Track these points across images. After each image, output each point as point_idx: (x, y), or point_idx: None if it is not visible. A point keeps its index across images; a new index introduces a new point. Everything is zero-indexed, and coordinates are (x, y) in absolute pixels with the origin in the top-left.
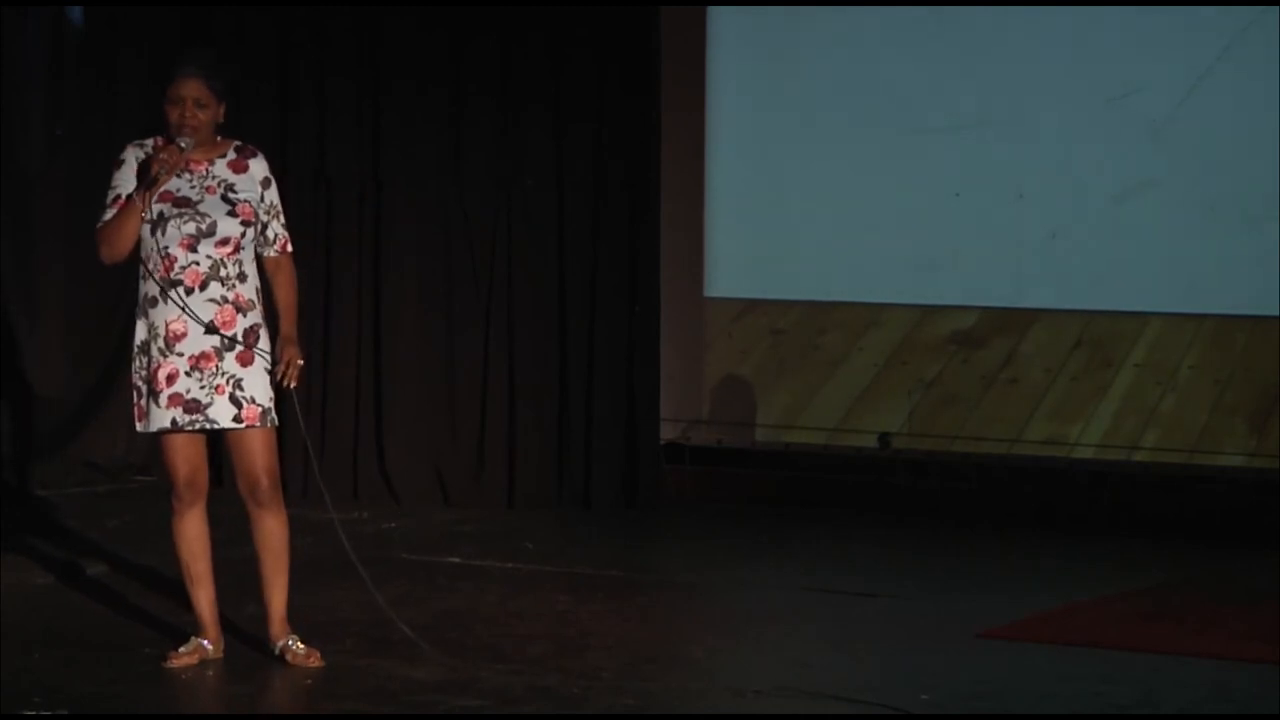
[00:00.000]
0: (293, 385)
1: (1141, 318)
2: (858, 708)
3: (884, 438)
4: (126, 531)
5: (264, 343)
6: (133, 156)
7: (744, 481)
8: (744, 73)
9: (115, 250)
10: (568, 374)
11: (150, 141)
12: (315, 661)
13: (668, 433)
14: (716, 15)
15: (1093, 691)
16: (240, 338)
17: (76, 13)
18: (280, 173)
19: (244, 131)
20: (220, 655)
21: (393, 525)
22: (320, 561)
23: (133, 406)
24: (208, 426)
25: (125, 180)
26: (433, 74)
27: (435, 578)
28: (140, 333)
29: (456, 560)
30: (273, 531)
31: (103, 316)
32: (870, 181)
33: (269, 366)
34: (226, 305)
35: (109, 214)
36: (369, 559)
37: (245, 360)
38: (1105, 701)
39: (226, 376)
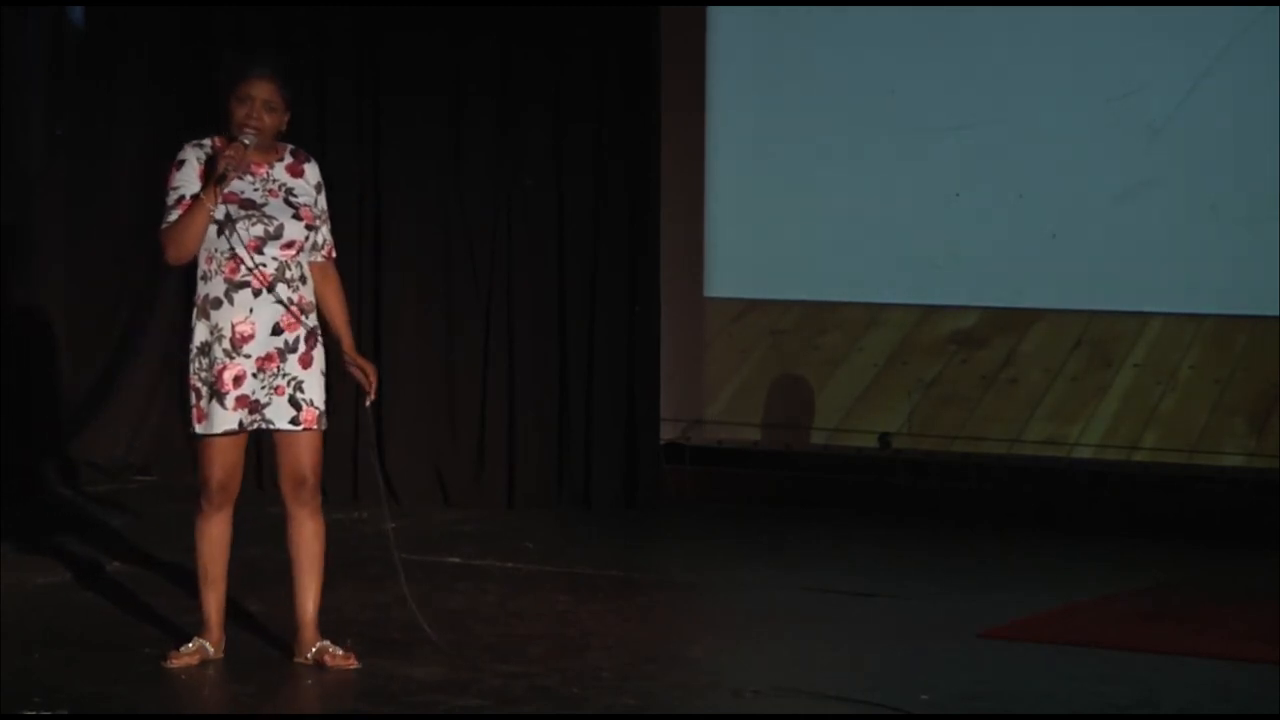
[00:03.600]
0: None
1: (1141, 318)
2: (858, 708)
3: (884, 438)
4: (127, 531)
5: (319, 348)
6: (193, 156)
7: (744, 481)
8: (744, 72)
9: (183, 250)
10: (568, 374)
11: (208, 141)
12: (354, 663)
13: (668, 433)
14: (716, 15)
15: (1093, 691)
16: (303, 341)
17: (76, 13)
18: None
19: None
20: (220, 656)
21: (393, 525)
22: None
23: (189, 409)
24: (264, 427)
25: (187, 180)
26: (433, 74)
27: (435, 578)
28: (200, 334)
29: (456, 560)
30: (312, 534)
31: (103, 316)
32: (870, 181)
33: (324, 369)
34: (292, 306)
35: (173, 215)
36: (369, 559)
37: (305, 362)
38: (1105, 701)
39: (287, 378)
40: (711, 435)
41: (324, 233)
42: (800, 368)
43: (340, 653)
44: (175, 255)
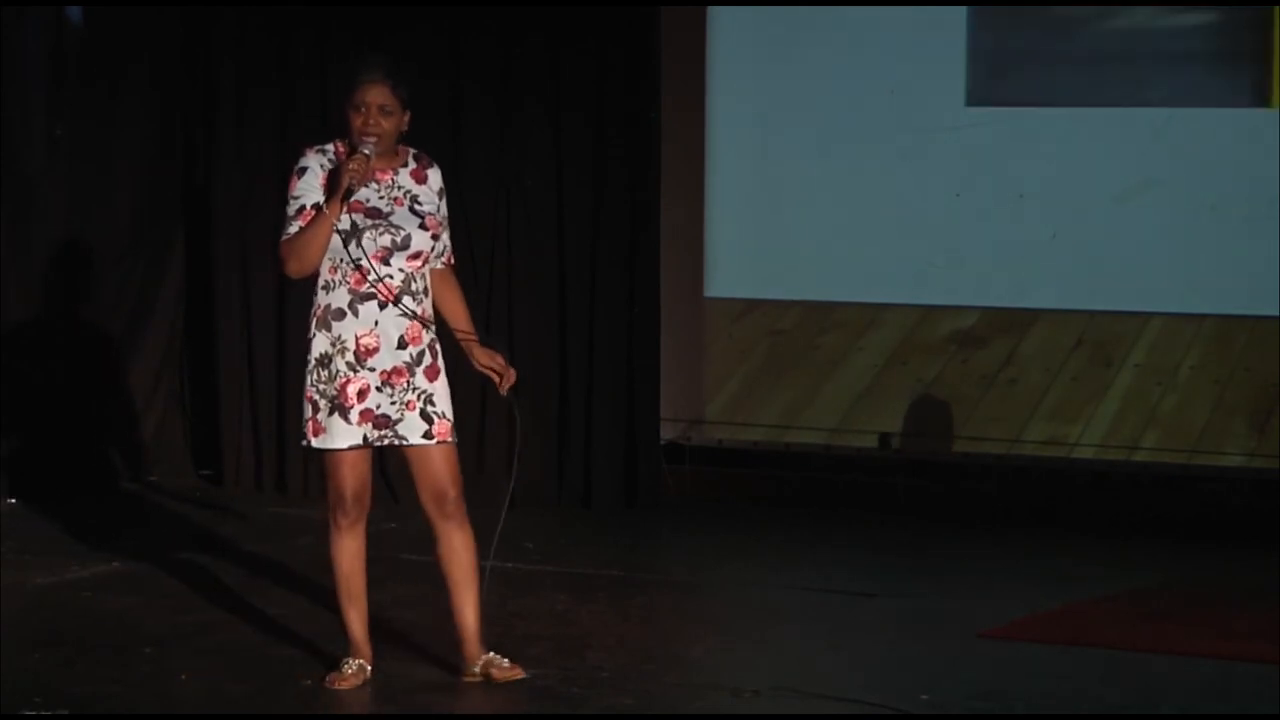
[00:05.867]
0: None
1: (1141, 318)
2: (858, 708)
3: (884, 438)
4: (127, 531)
5: (440, 360)
6: (315, 164)
7: (744, 481)
8: (744, 73)
9: (306, 264)
10: (568, 374)
11: (330, 146)
12: (520, 674)
13: (668, 433)
14: (716, 15)
15: (1093, 691)
16: (428, 353)
17: (76, 13)
18: (281, 173)
19: (244, 130)
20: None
21: (392, 525)
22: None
23: (305, 421)
24: (397, 443)
25: (309, 189)
26: (433, 74)
27: (435, 578)
28: (320, 345)
29: None
30: (462, 546)
31: (103, 317)
32: (870, 181)
33: (424, 323)
34: (415, 320)
35: (294, 226)
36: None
37: (433, 375)
38: (1105, 701)
39: (417, 392)
40: (711, 435)
41: (445, 239)
42: (800, 368)
43: (506, 664)
44: (297, 269)
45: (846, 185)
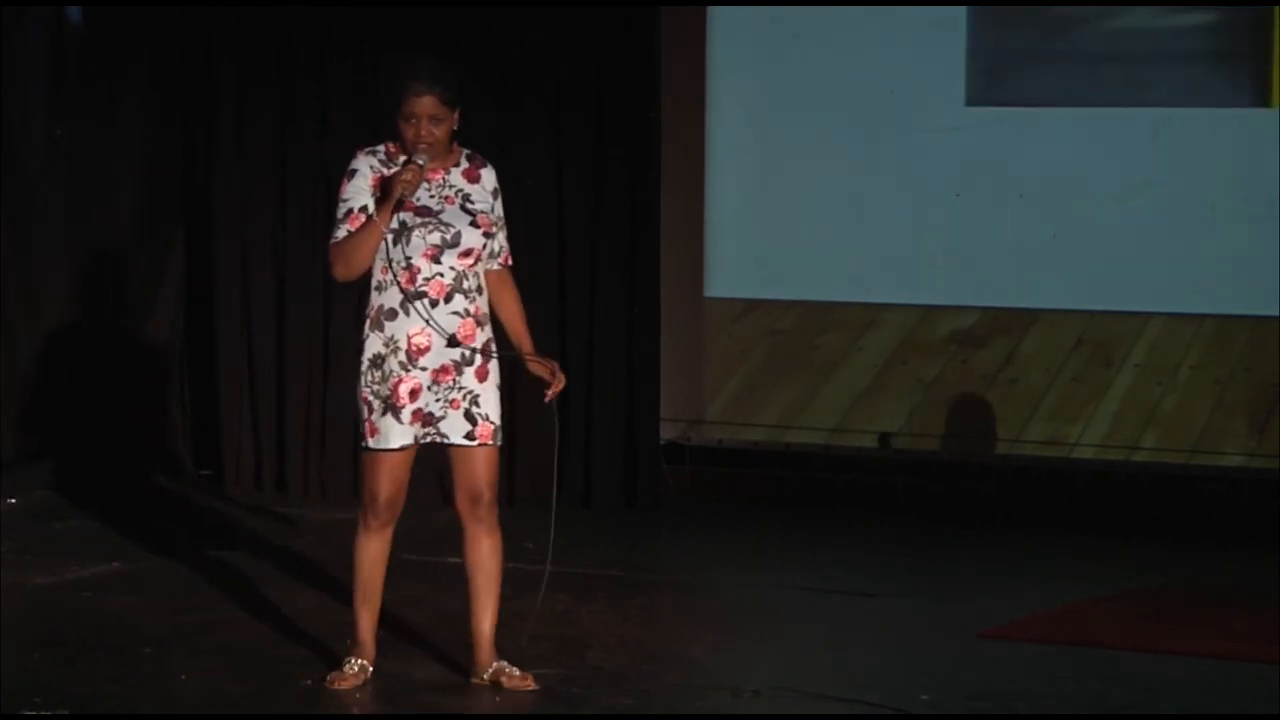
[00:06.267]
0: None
1: (1141, 318)
2: (858, 708)
3: (884, 438)
4: (126, 531)
5: (495, 360)
6: (366, 166)
7: (744, 481)
8: (744, 72)
9: (352, 269)
10: (568, 374)
11: (382, 148)
12: (531, 684)
13: (668, 433)
14: (716, 15)
15: (1093, 691)
16: (479, 351)
17: (76, 12)
18: (281, 173)
19: (244, 131)
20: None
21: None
22: (322, 561)
23: (361, 422)
24: (439, 440)
25: (358, 193)
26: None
27: (435, 578)
28: (374, 346)
29: (457, 560)
30: (489, 552)
31: (103, 317)
32: (870, 181)
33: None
34: (468, 318)
35: (342, 230)
36: None
37: (482, 376)
38: (1105, 701)
39: (463, 392)
40: (711, 435)
41: (500, 239)
42: (800, 368)
43: (517, 673)
44: (343, 273)
45: (846, 185)
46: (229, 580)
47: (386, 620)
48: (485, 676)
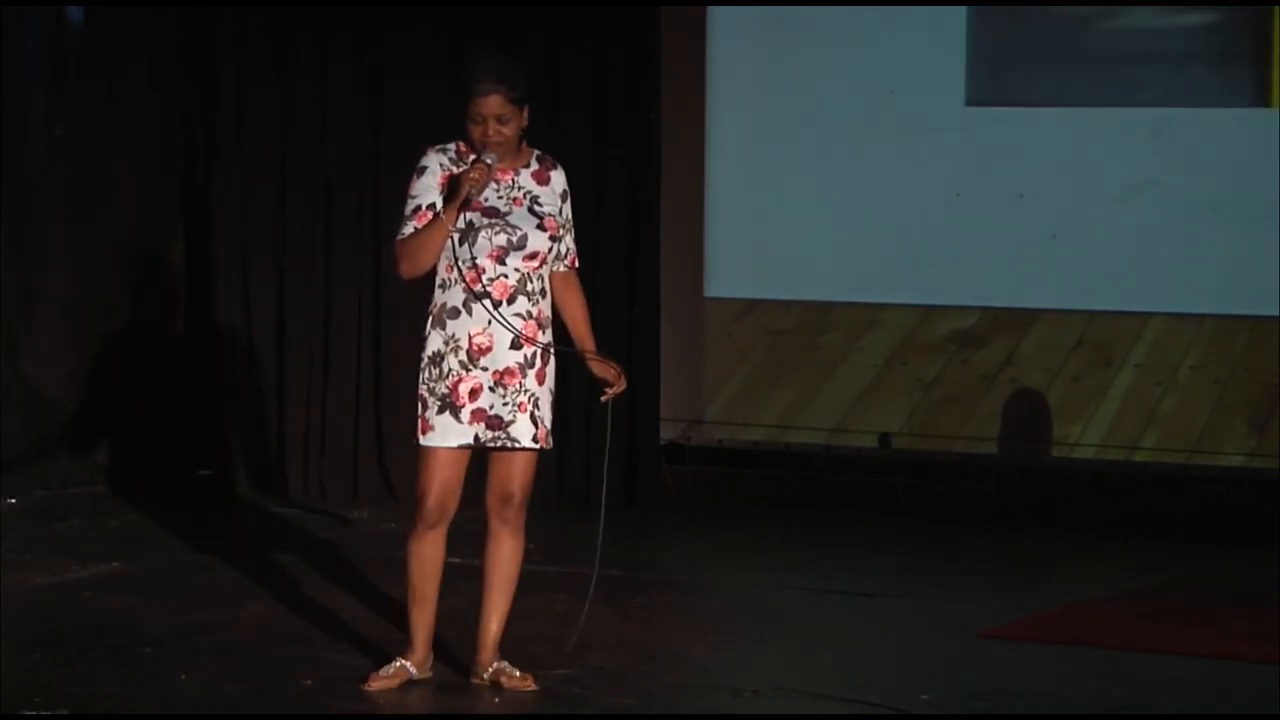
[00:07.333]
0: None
1: (1141, 318)
2: (858, 708)
3: (884, 438)
4: (127, 531)
5: (549, 365)
6: (435, 163)
7: (744, 481)
8: (744, 72)
9: (418, 266)
10: (567, 373)
11: (452, 146)
12: (531, 685)
13: (668, 433)
14: (716, 15)
15: (1093, 691)
16: (539, 357)
17: (76, 12)
18: (281, 173)
19: (244, 131)
20: (427, 675)
21: (392, 525)
22: (322, 562)
23: (415, 419)
24: (509, 445)
25: (427, 190)
26: (433, 74)
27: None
28: (434, 343)
29: (457, 560)
30: (509, 553)
31: (103, 317)
32: (870, 181)
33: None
34: (530, 321)
35: (409, 227)
36: (370, 559)
37: (541, 379)
38: (1105, 701)
39: (529, 395)
40: (711, 435)
41: (568, 242)
42: (800, 368)
43: (517, 674)
44: (409, 270)
45: (846, 185)
46: (229, 580)
47: (388, 620)
48: (485, 676)
